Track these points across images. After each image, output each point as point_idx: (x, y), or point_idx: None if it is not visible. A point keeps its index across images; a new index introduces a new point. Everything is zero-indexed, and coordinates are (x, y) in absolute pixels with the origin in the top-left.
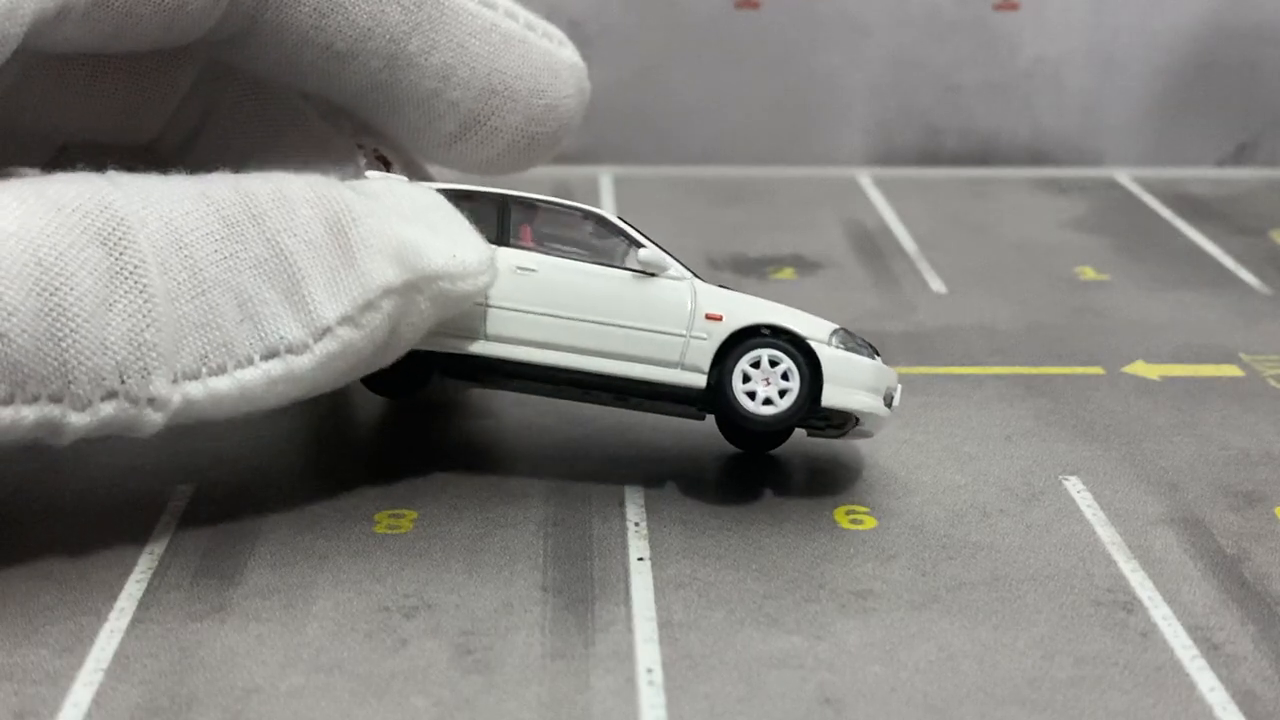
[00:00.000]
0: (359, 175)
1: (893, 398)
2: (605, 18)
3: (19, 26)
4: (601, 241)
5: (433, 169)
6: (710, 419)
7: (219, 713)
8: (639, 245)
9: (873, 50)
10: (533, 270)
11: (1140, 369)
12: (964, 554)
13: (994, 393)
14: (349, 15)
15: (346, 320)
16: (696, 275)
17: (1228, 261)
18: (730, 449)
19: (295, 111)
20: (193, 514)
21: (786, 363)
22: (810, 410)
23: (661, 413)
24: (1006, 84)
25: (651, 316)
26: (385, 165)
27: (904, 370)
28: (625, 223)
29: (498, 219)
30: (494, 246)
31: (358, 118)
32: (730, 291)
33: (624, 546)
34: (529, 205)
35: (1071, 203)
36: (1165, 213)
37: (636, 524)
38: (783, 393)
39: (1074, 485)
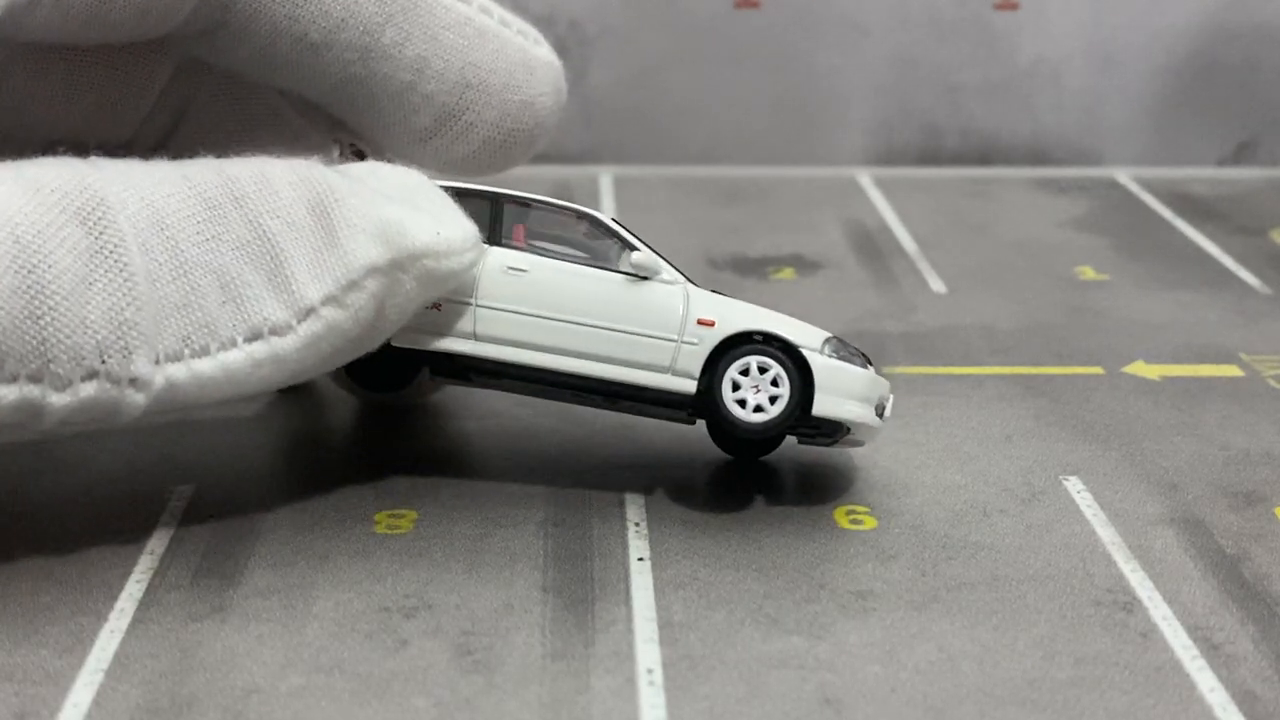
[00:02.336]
0: None
1: (884, 408)
2: (605, 18)
3: None
4: (594, 243)
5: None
6: (702, 423)
7: (219, 713)
8: (631, 248)
9: (873, 50)
10: (524, 271)
11: (1140, 369)
12: (964, 554)
13: (994, 392)
14: (322, 5)
15: (331, 300)
16: (690, 280)
17: (1228, 261)
18: None
19: (271, 108)
20: (193, 514)
21: (777, 370)
22: (800, 419)
23: (652, 416)
24: (1007, 83)
25: (643, 320)
26: (361, 160)
27: (904, 370)
28: (618, 224)
29: (490, 217)
30: (486, 246)
31: (333, 113)
32: (723, 297)
33: (624, 547)
34: (522, 204)
35: (1071, 202)
36: (1165, 212)
37: (637, 524)
38: (773, 400)
39: (1074, 485)
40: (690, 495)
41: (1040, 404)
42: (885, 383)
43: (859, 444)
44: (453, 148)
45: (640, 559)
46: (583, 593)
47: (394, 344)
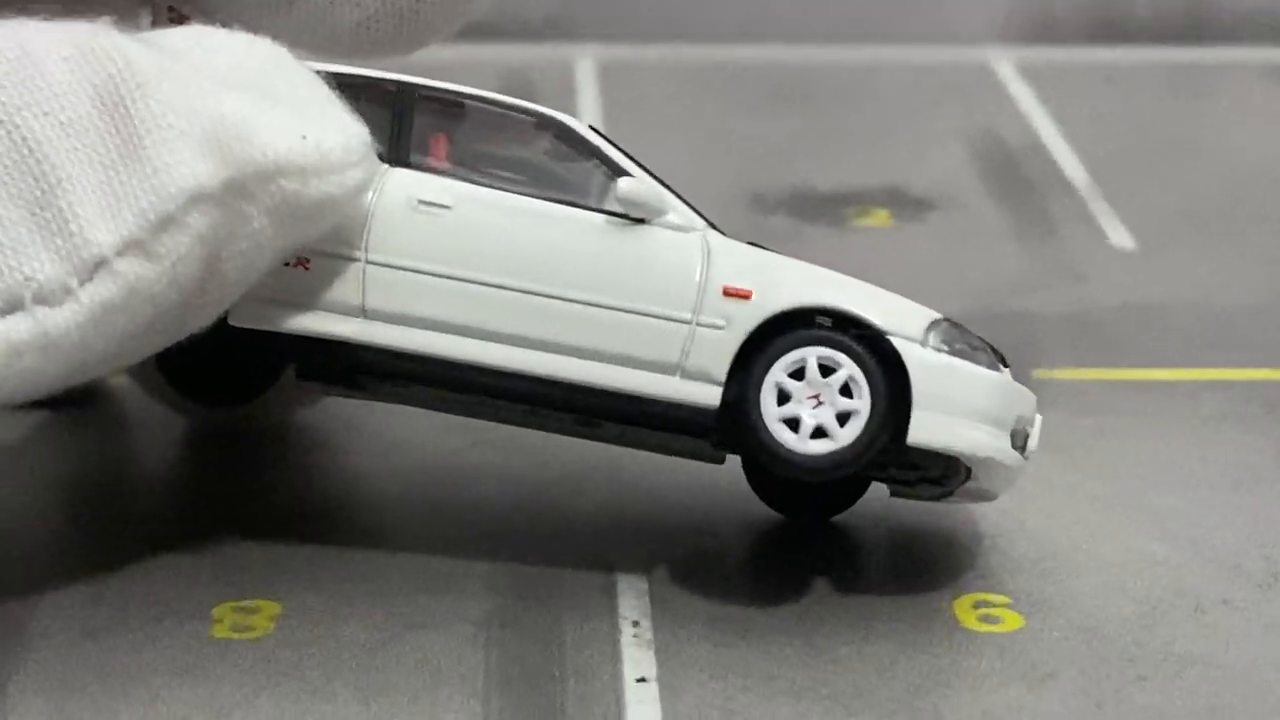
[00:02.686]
0: None
1: (1028, 435)
2: None
3: None
4: (561, 166)
5: None
6: (735, 460)
7: None
8: (620, 172)
9: None
10: (444, 207)
11: None
12: (1164, 672)
13: (1214, 411)
14: None
15: (132, 247)
16: (713, 226)
17: None
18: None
19: None
20: None
21: (850, 370)
22: (890, 451)
23: (654, 449)
24: None
25: (636, 289)
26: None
27: (1066, 375)
28: (601, 137)
29: (392, 121)
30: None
31: None
32: (767, 253)
33: (615, 659)
34: (445, 102)
35: None
36: None
37: (636, 624)
38: (843, 419)
39: None
40: (719, 576)
41: None
42: (1029, 396)
43: (988, 497)
44: (334, 14)
45: (642, 679)
46: None
47: (234, 322)
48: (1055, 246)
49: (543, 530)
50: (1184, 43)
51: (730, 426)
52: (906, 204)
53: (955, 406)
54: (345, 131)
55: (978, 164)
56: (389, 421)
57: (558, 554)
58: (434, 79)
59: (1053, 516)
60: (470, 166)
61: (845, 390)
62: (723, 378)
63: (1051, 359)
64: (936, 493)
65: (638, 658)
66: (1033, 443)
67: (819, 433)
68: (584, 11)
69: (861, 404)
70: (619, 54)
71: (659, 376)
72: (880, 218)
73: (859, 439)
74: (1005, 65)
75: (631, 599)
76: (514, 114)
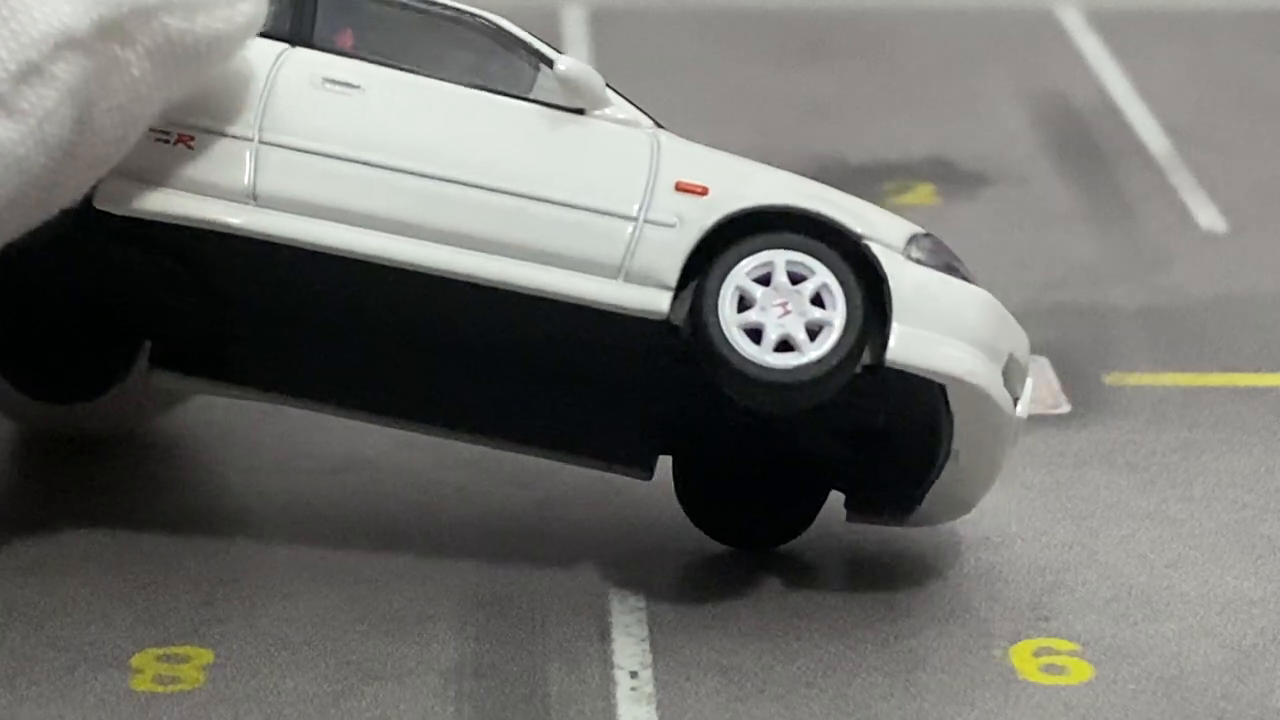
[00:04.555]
0: None
1: (1023, 377)
2: None
3: None
4: (488, 59)
5: None
6: (663, 478)
7: None
8: (548, 62)
9: None
10: (355, 87)
11: None
12: None
13: None
14: None
15: None
16: (661, 126)
17: None
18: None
19: None
20: None
21: (822, 276)
22: (862, 379)
23: (575, 452)
24: None
25: (572, 181)
26: None
27: (1145, 380)
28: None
29: (294, 5)
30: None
31: None
32: (731, 155)
33: (610, 715)
34: None
35: None
36: None
37: (634, 674)
38: (814, 333)
39: None
40: (732, 612)
41: None
42: (1023, 335)
43: (964, 509)
44: None
45: None
46: None
47: (100, 205)
48: (1132, 229)
49: (525, 559)
50: None
51: (683, 341)
52: (955, 179)
53: (940, 323)
54: None
55: (1039, 131)
56: (339, 433)
57: (538, 584)
58: None
59: (1128, 546)
60: (384, 55)
61: (817, 301)
62: (673, 282)
63: (1128, 361)
64: (907, 499)
65: (638, 713)
66: (1027, 388)
67: (784, 345)
68: None
69: (834, 315)
70: (612, 1)
71: (598, 280)
72: (923, 194)
73: (829, 355)
74: (1072, 13)
75: (629, 640)
76: (434, 8)
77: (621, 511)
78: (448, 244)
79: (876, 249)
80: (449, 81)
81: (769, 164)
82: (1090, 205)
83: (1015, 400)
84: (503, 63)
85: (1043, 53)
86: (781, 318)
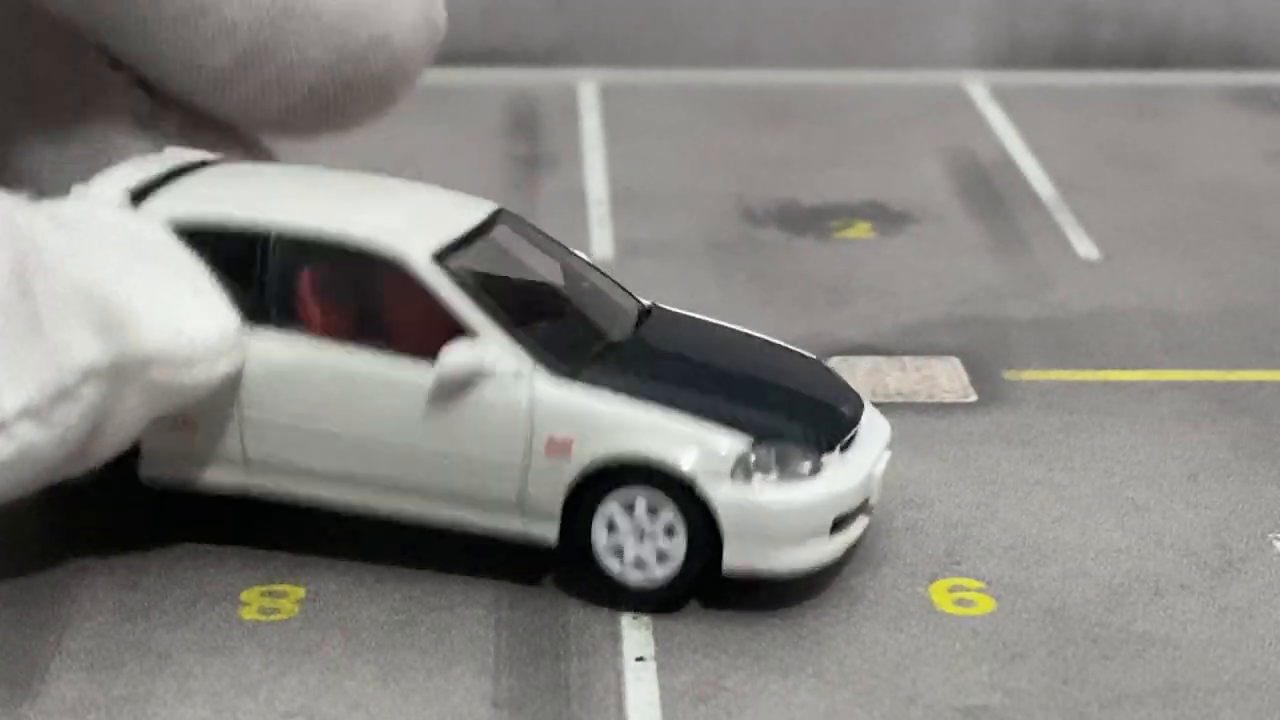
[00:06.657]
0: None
1: (864, 503)
2: None
3: None
4: (409, 308)
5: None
6: None
7: None
8: (459, 329)
9: None
10: (296, 368)
11: None
12: (1126, 652)
13: (1171, 410)
14: None
15: (30, 414)
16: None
17: None
18: None
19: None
20: None
21: (670, 514)
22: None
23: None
24: None
25: (469, 440)
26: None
27: (1037, 376)
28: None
29: (255, 269)
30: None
31: (104, 44)
32: (597, 392)
33: (616, 640)
34: (302, 248)
35: None
36: None
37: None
38: (661, 557)
39: None
40: (720, 595)
41: (1241, 426)
42: (861, 473)
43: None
44: (268, 98)
45: (640, 658)
46: (554, 710)
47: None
48: (1025, 257)
49: None
50: (1146, 67)
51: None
52: (887, 217)
53: (769, 535)
54: (219, 323)
55: (953, 180)
56: None
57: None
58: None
59: (1023, 506)
60: (320, 316)
61: (669, 531)
62: (558, 514)
63: (1022, 361)
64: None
65: (637, 638)
66: (875, 496)
67: (639, 564)
68: (586, 39)
69: (676, 546)
70: (619, 77)
71: (502, 515)
72: (863, 230)
73: (673, 577)
74: (978, 88)
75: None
76: (361, 256)
77: None
78: (377, 490)
79: (704, 484)
80: (370, 342)
81: (744, 206)
82: (993, 239)
83: (857, 514)
84: (423, 308)
85: (955, 118)
86: (637, 546)
